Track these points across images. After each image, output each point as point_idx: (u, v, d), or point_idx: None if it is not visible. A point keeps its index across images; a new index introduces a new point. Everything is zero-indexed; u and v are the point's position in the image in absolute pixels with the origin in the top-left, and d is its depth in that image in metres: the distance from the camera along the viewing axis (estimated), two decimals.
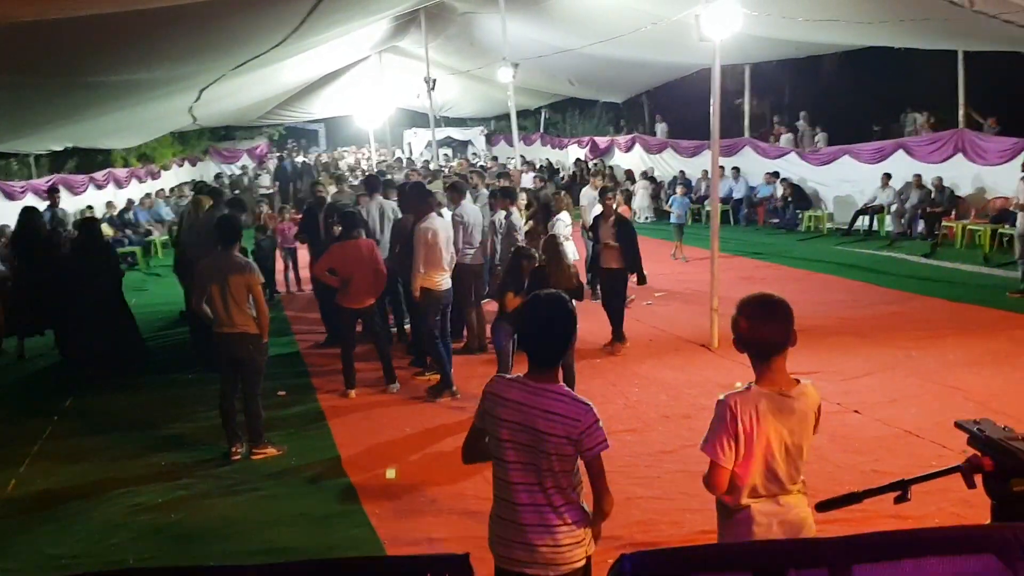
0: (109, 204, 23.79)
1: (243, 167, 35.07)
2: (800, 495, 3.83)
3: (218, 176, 31.88)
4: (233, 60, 14.78)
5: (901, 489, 2.90)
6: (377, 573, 1.99)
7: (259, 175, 30.21)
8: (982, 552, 1.94)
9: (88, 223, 13.19)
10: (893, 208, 20.20)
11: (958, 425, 2.83)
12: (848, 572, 1.91)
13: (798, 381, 3.82)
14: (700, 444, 3.82)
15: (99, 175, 25.27)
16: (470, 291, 11.45)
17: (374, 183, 12.91)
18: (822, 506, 3.33)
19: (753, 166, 24.98)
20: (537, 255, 9.38)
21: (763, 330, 3.78)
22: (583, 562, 3.95)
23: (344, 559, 2.01)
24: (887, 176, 20.41)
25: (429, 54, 24.18)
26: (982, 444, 2.67)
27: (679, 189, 19.86)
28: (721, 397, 3.80)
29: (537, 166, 31.36)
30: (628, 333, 11.76)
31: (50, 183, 21.71)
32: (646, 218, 26.04)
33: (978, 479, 2.66)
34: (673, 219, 18.87)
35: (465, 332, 11.90)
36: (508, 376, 4.07)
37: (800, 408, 3.77)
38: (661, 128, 31.52)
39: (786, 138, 26.36)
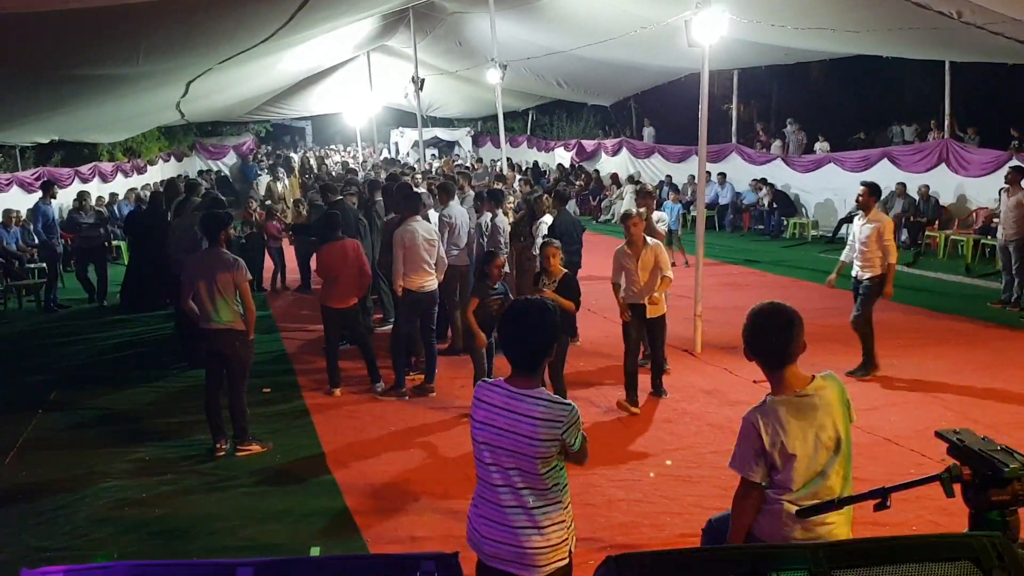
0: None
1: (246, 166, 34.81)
2: (843, 515, 3.79)
3: (203, 173, 31.78)
4: (221, 54, 14.76)
5: (881, 497, 2.94)
6: (368, 570, 2.02)
7: (259, 174, 30.03)
8: (959, 559, 1.99)
9: (155, 196, 15.51)
10: None
11: (938, 435, 2.87)
12: None
13: (813, 377, 3.89)
14: (728, 462, 3.92)
15: (85, 169, 25.13)
16: (455, 292, 11.47)
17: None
18: (803, 513, 3.38)
19: (739, 172, 25.06)
20: (503, 259, 9.53)
21: (774, 339, 3.85)
22: (566, 560, 4.02)
23: (337, 556, 2.05)
24: None
25: (417, 54, 24.20)
26: (962, 454, 2.72)
27: (671, 195, 19.69)
28: (745, 415, 3.86)
29: (523, 168, 31.29)
30: (613, 338, 11.81)
31: (36, 175, 21.65)
32: None
33: (957, 488, 2.70)
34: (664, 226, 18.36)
35: (449, 333, 11.92)
36: (491, 381, 4.13)
37: (823, 401, 3.82)
38: (648, 132, 31.52)
39: (776, 145, 26.41)
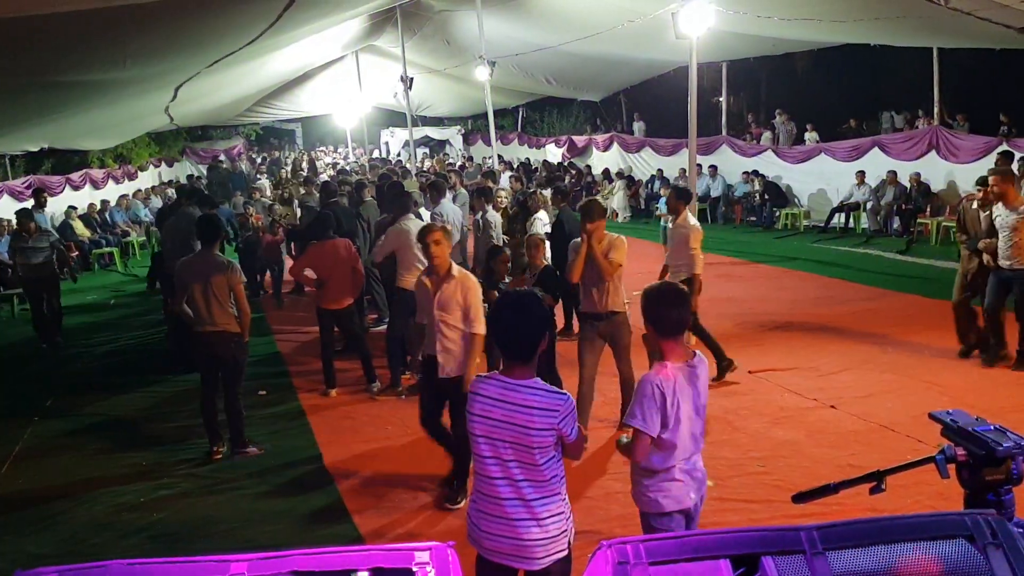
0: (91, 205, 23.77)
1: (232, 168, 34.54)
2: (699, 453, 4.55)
3: (193, 177, 31.76)
4: (208, 57, 14.73)
5: (876, 480, 2.93)
6: (365, 561, 2.02)
7: (259, 178, 29.86)
8: (954, 538, 2.00)
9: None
10: (869, 205, 20.35)
11: (932, 416, 2.87)
12: (823, 558, 1.96)
13: (695, 353, 4.49)
14: (626, 418, 4.37)
15: (75, 176, 25.12)
16: None
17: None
18: (798, 498, 3.37)
19: (730, 164, 25.06)
20: (509, 253, 9.47)
21: (675, 312, 4.39)
22: (566, 551, 4.05)
23: (332, 548, 2.05)
24: (862, 173, 20.55)
25: (405, 53, 24.19)
26: (955, 434, 2.72)
27: (663, 189, 19.47)
28: (643, 376, 4.39)
29: (514, 166, 31.25)
30: None
31: (27, 184, 21.62)
32: (624, 217, 26.10)
33: (952, 469, 2.70)
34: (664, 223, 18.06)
35: None
36: (486, 374, 4.17)
37: (702, 374, 4.45)
38: (639, 127, 31.54)
39: (766, 136, 26.43)
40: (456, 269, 7.14)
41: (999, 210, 9.53)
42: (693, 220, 10.06)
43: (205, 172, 33.27)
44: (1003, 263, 9.54)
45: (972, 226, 10.19)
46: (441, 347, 6.96)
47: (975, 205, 10.15)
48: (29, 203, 18.34)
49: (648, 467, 4.37)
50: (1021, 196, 9.71)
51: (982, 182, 10.11)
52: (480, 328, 6.91)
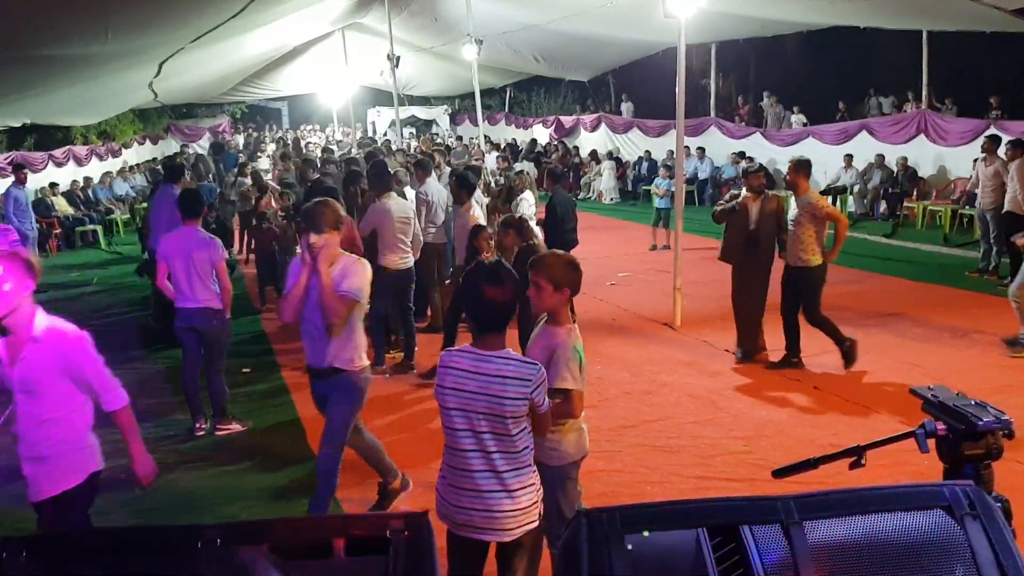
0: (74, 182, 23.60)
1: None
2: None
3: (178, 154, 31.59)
4: (192, 31, 14.61)
5: (856, 454, 2.94)
6: (339, 530, 2.01)
7: (259, 157, 29.56)
8: (931, 508, 1.99)
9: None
10: (856, 188, 20.37)
11: (913, 391, 2.87)
12: (799, 528, 1.95)
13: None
14: (558, 383, 4.47)
15: (58, 152, 24.97)
16: (433, 269, 11.42)
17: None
18: (779, 473, 3.38)
19: (718, 146, 25.03)
20: (491, 232, 9.47)
21: (577, 277, 4.74)
22: (536, 523, 4.09)
23: (307, 517, 2.03)
24: (849, 157, 20.57)
25: (392, 31, 24.06)
26: (936, 409, 2.72)
27: (661, 171, 19.28)
28: (557, 341, 4.64)
29: (501, 146, 31.14)
30: (593, 312, 11.84)
31: (8, 160, 21.45)
32: (611, 199, 26.07)
33: (931, 444, 2.70)
34: (660, 204, 17.58)
35: (429, 311, 11.87)
36: (457, 347, 4.21)
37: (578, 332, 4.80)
38: (627, 107, 31.45)
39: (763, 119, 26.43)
40: (40, 327, 4.50)
41: (791, 203, 9.55)
42: (473, 205, 10.45)
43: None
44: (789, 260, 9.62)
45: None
46: (29, 453, 4.73)
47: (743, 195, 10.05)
48: (11, 180, 18.25)
49: (563, 425, 4.66)
50: (811, 190, 9.55)
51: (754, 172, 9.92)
52: (116, 405, 4.90)
